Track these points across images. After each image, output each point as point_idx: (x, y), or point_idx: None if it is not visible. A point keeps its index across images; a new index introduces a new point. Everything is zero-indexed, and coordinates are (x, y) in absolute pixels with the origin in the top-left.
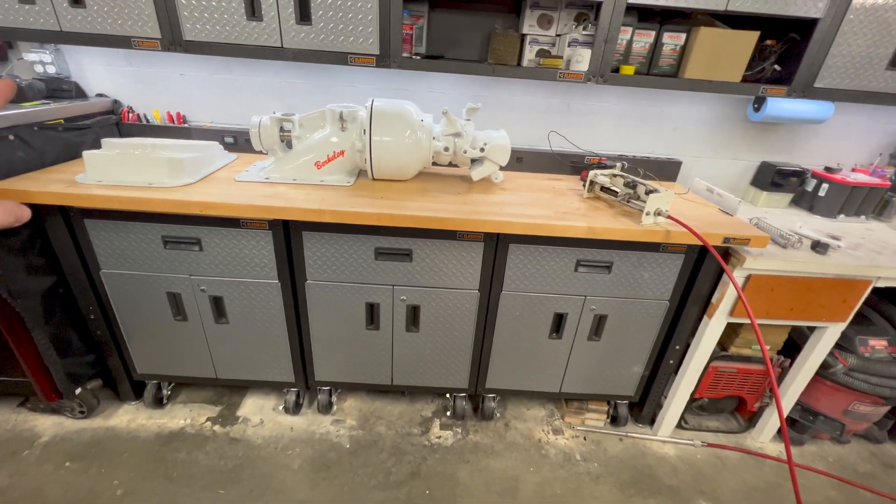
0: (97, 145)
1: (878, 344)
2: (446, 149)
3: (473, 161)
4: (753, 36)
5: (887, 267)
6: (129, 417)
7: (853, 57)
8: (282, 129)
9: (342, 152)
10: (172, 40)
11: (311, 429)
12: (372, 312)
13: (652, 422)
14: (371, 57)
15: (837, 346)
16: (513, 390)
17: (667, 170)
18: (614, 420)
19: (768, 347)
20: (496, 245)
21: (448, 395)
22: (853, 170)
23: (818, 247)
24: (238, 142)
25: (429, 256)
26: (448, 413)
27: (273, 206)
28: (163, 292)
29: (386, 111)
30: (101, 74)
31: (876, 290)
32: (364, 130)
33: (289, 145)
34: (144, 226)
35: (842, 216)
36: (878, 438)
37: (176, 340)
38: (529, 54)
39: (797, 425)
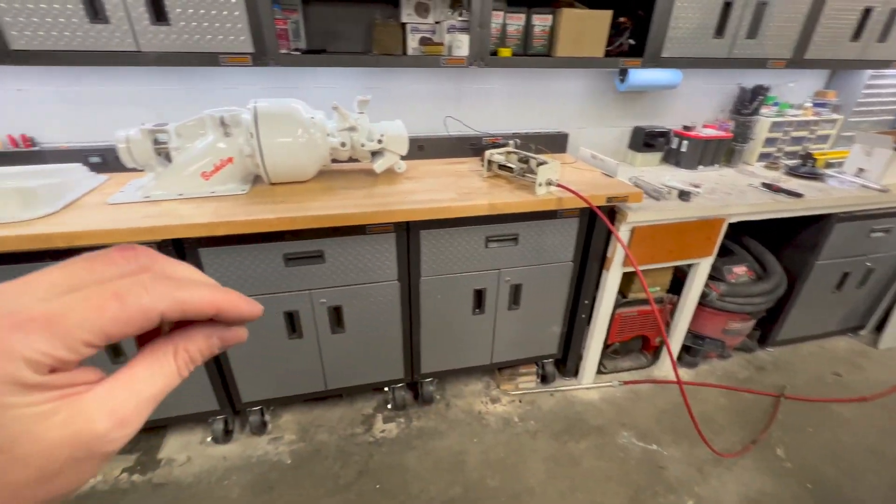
0: None
1: (740, 270)
2: (343, 144)
3: (374, 154)
4: (607, 15)
5: (736, 205)
6: None
7: (688, 29)
8: (156, 142)
9: (230, 159)
10: None
11: (246, 453)
12: (292, 321)
13: (576, 373)
14: (245, 56)
15: (710, 277)
16: (448, 370)
17: (556, 142)
18: (544, 379)
19: (658, 288)
20: (408, 234)
21: (386, 389)
22: (704, 126)
23: (683, 195)
24: (107, 160)
25: (342, 255)
26: (389, 406)
27: (157, 225)
28: None
29: (272, 111)
30: None
31: (731, 225)
32: (251, 134)
33: (167, 158)
34: None
35: (701, 167)
36: (750, 348)
37: None
38: (413, 42)
39: (690, 350)
